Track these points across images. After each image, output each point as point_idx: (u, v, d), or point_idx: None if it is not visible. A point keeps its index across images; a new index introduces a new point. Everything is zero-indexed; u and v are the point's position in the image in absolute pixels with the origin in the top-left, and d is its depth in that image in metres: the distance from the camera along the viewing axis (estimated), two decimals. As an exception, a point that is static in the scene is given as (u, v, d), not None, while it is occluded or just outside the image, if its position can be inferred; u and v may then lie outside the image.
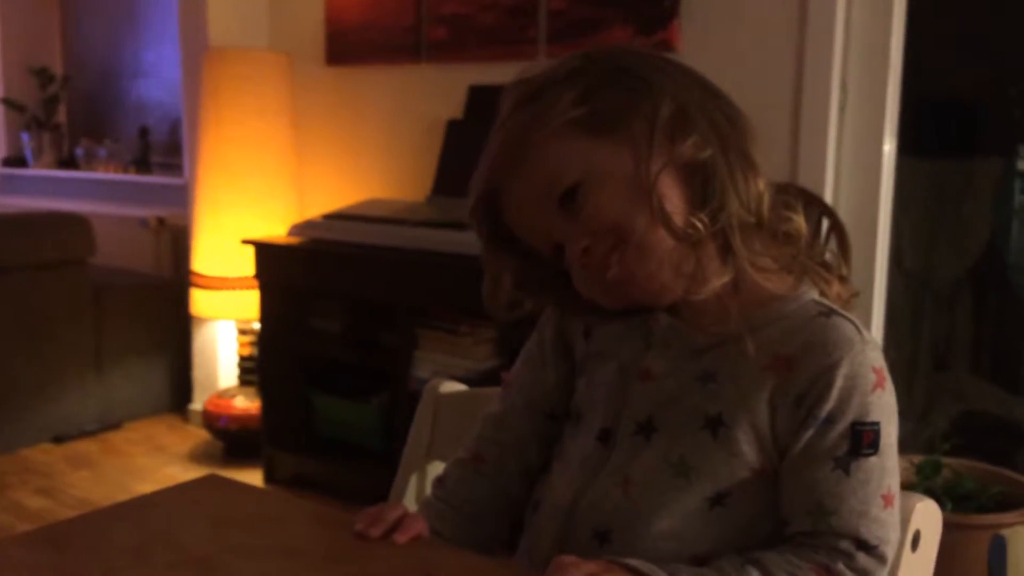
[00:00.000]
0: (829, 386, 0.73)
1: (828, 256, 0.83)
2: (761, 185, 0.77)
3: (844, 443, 0.73)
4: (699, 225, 0.74)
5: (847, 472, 0.73)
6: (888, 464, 0.75)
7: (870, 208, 2.27)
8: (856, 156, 2.28)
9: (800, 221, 0.79)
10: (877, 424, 0.74)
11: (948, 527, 1.38)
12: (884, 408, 0.75)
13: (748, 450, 0.75)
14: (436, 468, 0.99)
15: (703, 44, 2.28)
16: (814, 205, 2.11)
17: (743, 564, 0.73)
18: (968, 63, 2.74)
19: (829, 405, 0.73)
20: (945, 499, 1.85)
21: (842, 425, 0.73)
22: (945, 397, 2.77)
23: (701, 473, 0.76)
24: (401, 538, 0.79)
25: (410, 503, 1.00)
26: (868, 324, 2.25)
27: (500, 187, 0.80)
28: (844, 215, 2.17)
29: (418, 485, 1.01)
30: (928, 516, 0.78)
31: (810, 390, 0.74)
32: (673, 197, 0.75)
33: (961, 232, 2.90)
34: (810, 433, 0.74)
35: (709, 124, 0.76)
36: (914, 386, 2.73)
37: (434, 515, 0.87)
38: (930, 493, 1.86)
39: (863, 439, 0.73)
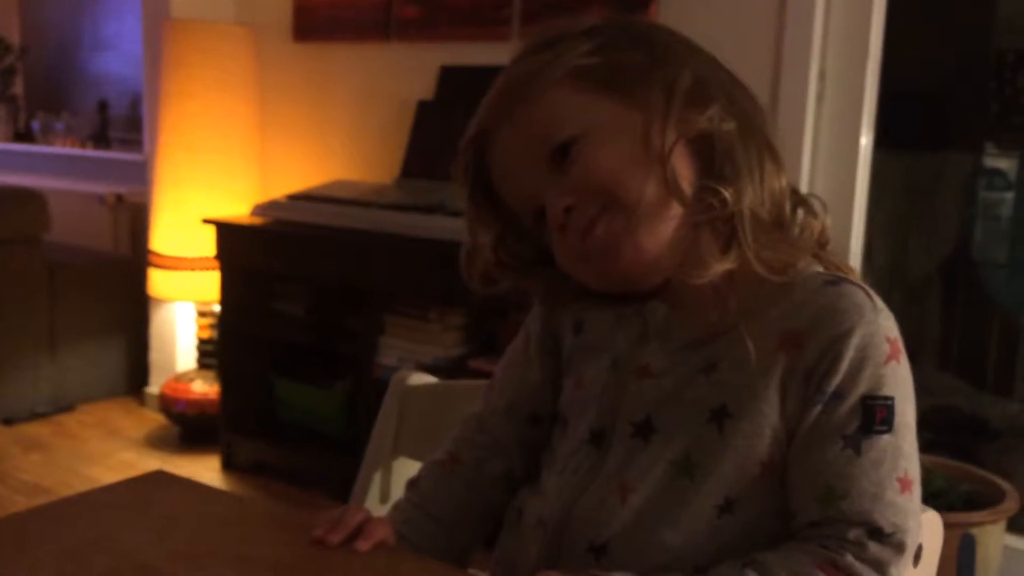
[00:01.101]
0: (838, 358, 0.68)
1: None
2: (784, 181, 0.72)
3: (854, 419, 0.67)
4: (714, 203, 0.70)
5: (857, 451, 0.67)
6: (904, 445, 0.68)
7: (845, 202, 2.24)
8: (833, 148, 2.25)
9: (818, 225, 0.75)
10: (891, 399, 0.68)
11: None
12: (900, 382, 0.69)
13: (757, 442, 0.69)
14: (402, 465, 0.94)
15: (680, 28, 2.23)
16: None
17: (742, 568, 0.68)
18: (940, 56, 2.73)
19: (838, 378, 0.68)
20: (916, 497, 1.83)
21: (852, 400, 0.67)
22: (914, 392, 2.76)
23: (708, 472, 0.70)
24: (363, 545, 0.73)
25: (373, 502, 0.95)
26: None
27: (492, 130, 0.76)
28: (819, 208, 2.14)
29: (382, 483, 0.95)
30: (930, 529, 0.73)
31: (819, 364, 0.68)
32: (683, 169, 0.71)
33: (931, 228, 2.90)
34: (817, 410, 0.68)
35: (729, 101, 0.72)
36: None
37: (402, 520, 0.81)
38: (901, 491, 1.85)
39: (875, 415, 0.67)
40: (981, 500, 1.84)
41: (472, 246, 0.79)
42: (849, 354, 0.67)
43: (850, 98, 2.22)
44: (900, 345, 0.70)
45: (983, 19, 2.82)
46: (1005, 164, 2.88)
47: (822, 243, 0.76)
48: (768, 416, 0.69)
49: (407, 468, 0.89)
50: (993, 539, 1.80)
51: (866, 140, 2.24)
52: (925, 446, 2.00)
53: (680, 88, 0.71)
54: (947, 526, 1.73)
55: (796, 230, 0.74)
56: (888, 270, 2.77)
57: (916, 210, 2.87)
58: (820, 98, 2.22)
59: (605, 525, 0.72)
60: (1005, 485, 1.87)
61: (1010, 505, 1.80)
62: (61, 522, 0.74)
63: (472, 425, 0.86)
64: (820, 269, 0.74)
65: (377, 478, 0.95)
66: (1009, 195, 2.85)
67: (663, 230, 0.71)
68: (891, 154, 2.41)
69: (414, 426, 0.95)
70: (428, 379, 0.98)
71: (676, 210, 0.71)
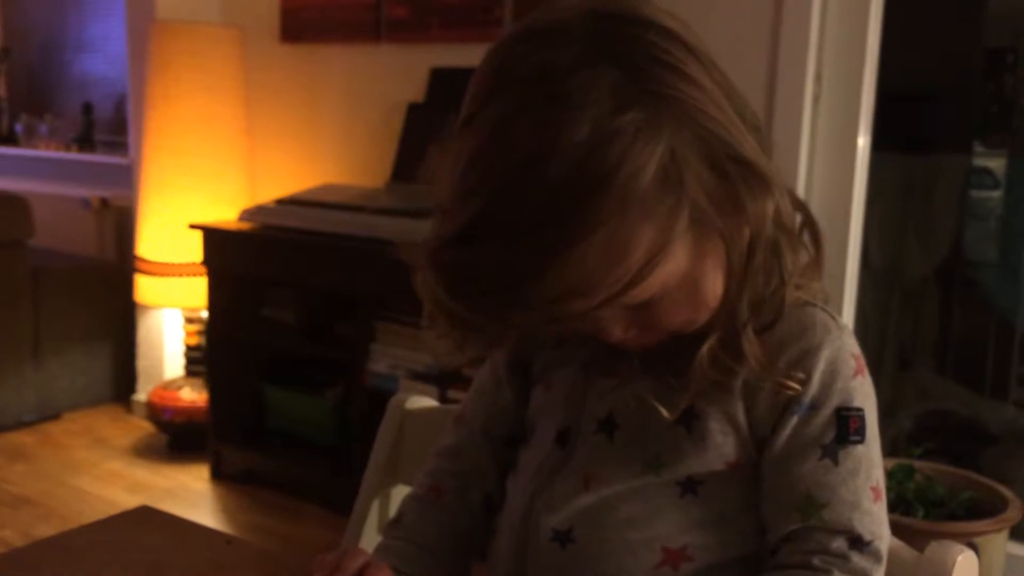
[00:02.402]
0: (811, 370, 0.68)
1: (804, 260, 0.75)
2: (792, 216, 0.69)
3: (830, 430, 0.68)
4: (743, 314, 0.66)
5: (835, 461, 0.68)
6: (874, 455, 0.70)
7: (843, 204, 2.22)
8: (830, 150, 2.22)
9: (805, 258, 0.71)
10: (862, 410, 0.69)
11: (922, 536, 1.33)
12: (867, 395, 0.70)
13: (723, 441, 0.70)
14: (401, 493, 0.89)
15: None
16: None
17: None
18: (934, 57, 2.71)
19: (812, 390, 0.68)
20: (917, 506, 1.81)
21: (827, 411, 0.68)
22: (910, 396, 2.74)
23: (674, 470, 0.70)
24: None
25: (371, 533, 0.91)
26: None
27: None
28: (816, 210, 2.10)
29: (380, 513, 0.91)
30: (967, 570, 0.70)
31: (790, 376, 0.68)
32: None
33: (927, 229, 2.88)
34: (794, 420, 0.69)
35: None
36: (879, 385, 2.70)
37: (395, 556, 0.78)
38: (903, 500, 1.83)
39: (849, 425, 0.68)
40: (983, 508, 1.82)
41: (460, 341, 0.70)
42: (820, 367, 0.68)
43: (847, 99, 2.19)
44: (863, 361, 0.71)
45: (973, 19, 2.81)
46: (995, 164, 2.87)
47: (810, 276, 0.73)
48: (733, 417, 0.70)
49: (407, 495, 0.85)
50: (996, 548, 1.78)
51: (863, 141, 2.21)
52: (924, 453, 1.97)
53: (770, 216, 0.64)
54: (950, 536, 1.72)
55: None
56: (885, 273, 2.74)
57: (911, 212, 2.85)
58: (817, 99, 2.19)
59: (568, 511, 0.72)
60: (1007, 492, 1.85)
61: (1013, 514, 1.78)
62: (40, 568, 0.70)
63: (448, 455, 0.83)
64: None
65: (375, 507, 0.91)
66: (998, 194, 2.85)
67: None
68: (886, 155, 2.39)
69: (414, 452, 0.91)
70: (427, 402, 0.94)
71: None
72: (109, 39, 3.85)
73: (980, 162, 2.89)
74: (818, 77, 2.18)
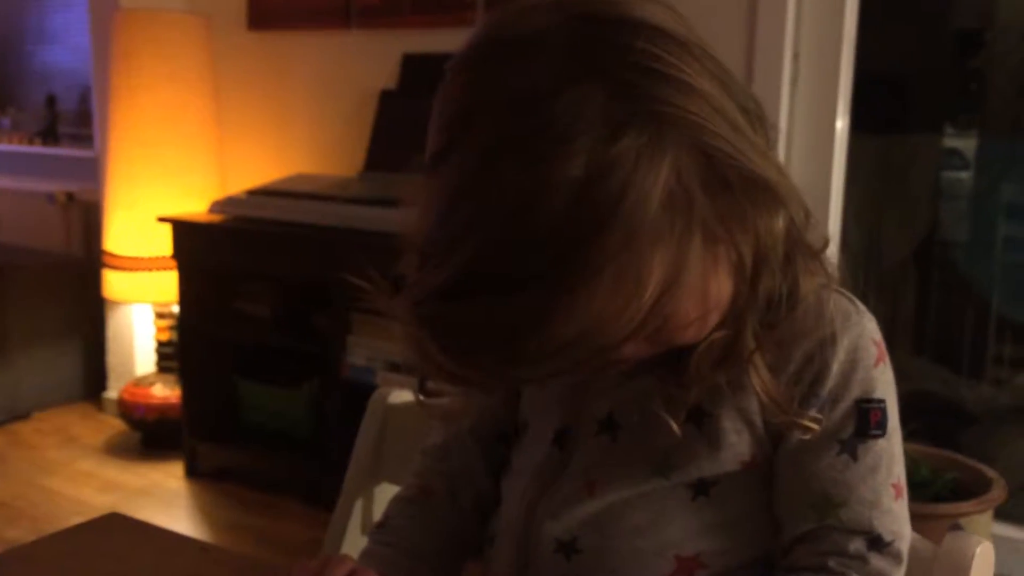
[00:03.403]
0: (828, 361, 0.64)
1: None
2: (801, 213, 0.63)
3: (849, 424, 0.64)
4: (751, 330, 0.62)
5: (854, 457, 0.64)
6: (896, 450, 0.66)
7: (822, 187, 2.20)
8: (808, 132, 2.20)
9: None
10: (883, 402, 0.65)
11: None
12: (888, 385, 0.66)
13: (737, 440, 0.65)
14: (385, 492, 0.86)
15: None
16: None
17: None
18: (906, 39, 2.71)
19: (830, 382, 0.64)
20: (903, 488, 1.80)
21: (846, 403, 0.64)
22: (890, 377, 2.75)
23: (684, 472, 0.66)
24: None
25: (355, 534, 0.87)
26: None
27: None
28: (796, 193, 2.10)
29: (363, 513, 0.88)
30: (984, 562, 0.68)
31: (806, 367, 0.64)
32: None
33: (904, 211, 2.88)
34: (811, 414, 0.64)
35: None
36: (859, 366, 2.71)
37: (381, 563, 0.73)
38: (888, 482, 1.82)
39: (870, 418, 0.64)
40: (968, 489, 1.81)
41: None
42: (839, 356, 0.64)
43: (825, 80, 2.17)
44: (884, 348, 0.67)
45: (943, 1, 2.81)
46: (964, 144, 2.89)
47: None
48: (747, 413, 0.65)
49: (390, 494, 0.81)
50: (982, 528, 1.78)
51: (842, 123, 2.19)
52: (906, 434, 1.98)
53: (780, 232, 0.59)
54: (936, 517, 1.71)
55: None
56: (863, 255, 2.74)
57: (888, 193, 2.85)
58: (795, 81, 2.17)
59: (571, 519, 0.68)
60: (990, 472, 1.84)
61: (997, 493, 1.77)
62: (5, 576, 0.66)
63: (436, 455, 0.79)
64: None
65: (358, 507, 0.87)
66: (967, 175, 2.86)
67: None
68: (863, 136, 2.38)
69: (398, 448, 0.87)
70: (411, 396, 0.90)
71: None
72: (72, 29, 3.77)
73: (950, 143, 2.90)
74: (795, 58, 2.16)
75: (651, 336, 0.58)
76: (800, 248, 0.62)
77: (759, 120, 0.61)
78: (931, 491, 1.82)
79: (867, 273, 2.78)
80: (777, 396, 0.63)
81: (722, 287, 0.60)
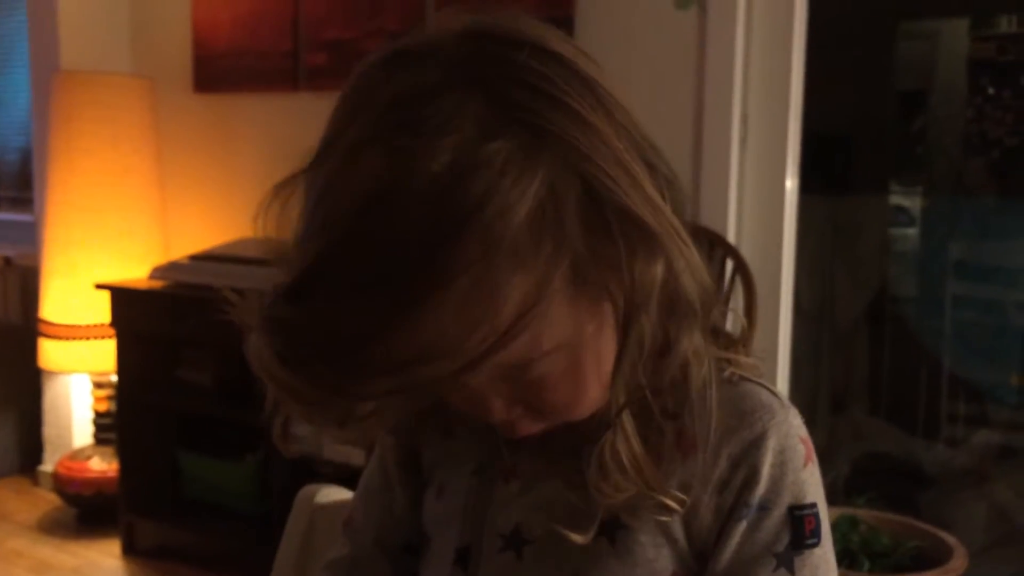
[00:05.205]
0: (757, 465, 0.59)
1: (729, 319, 0.67)
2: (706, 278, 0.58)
3: (784, 534, 0.59)
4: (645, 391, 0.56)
5: (791, 571, 0.59)
6: (830, 555, 0.61)
7: (774, 246, 2.19)
8: (759, 193, 2.20)
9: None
10: (815, 506, 0.60)
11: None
12: (818, 487, 0.61)
13: (656, 555, 0.59)
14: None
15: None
16: (719, 246, 2.01)
17: None
18: (849, 99, 2.75)
19: (761, 488, 0.59)
20: (863, 558, 1.76)
21: (779, 511, 0.59)
22: (845, 438, 2.72)
23: None
24: None
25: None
26: (774, 368, 2.15)
27: None
28: (747, 255, 2.08)
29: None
30: None
31: (733, 474, 0.59)
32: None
33: (854, 269, 2.89)
34: (742, 527, 0.59)
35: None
36: (814, 428, 2.69)
37: None
38: (848, 552, 1.77)
39: (804, 527, 0.59)
40: (928, 557, 1.78)
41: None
42: (768, 459, 0.59)
43: (773, 141, 2.17)
44: (811, 445, 0.62)
45: (883, 62, 2.87)
46: (910, 202, 2.93)
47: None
48: (668, 527, 0.60)
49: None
50: (944, 599, 1.73)
51: (791, 183, 2.19)
52: (865, 501, 1.93)
53: (657, 283, 0.53)
54: (897, 589, 1.67)
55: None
56: (816, 315, 2.73)
57: (838, 253, 2.86)
58: (744, 142, 2.17)
59: None
60: (950, 539, 1.81)
61: (958, 563, 1.74)
62: None
63: (343, 570, 0.72)
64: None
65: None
66: (913, 231, 2.89)
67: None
68: (811, 196, 2.39)
69: (326, 550, 0.80)
70: (341, 494, 0.83)
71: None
72: (13, 91, 3.69)
73: (896, 200, 2.94)
74: (744, 120, 2.16)
75: (522, 390, 0.54)
76: (682, 307, 0.55)
77: (666, 182, 0.56)
78: (892, 561, 1.78)
79: (820, 333, 2.77)
80: (649, 476, 0.56)
81: (598, 353, 0.54)
